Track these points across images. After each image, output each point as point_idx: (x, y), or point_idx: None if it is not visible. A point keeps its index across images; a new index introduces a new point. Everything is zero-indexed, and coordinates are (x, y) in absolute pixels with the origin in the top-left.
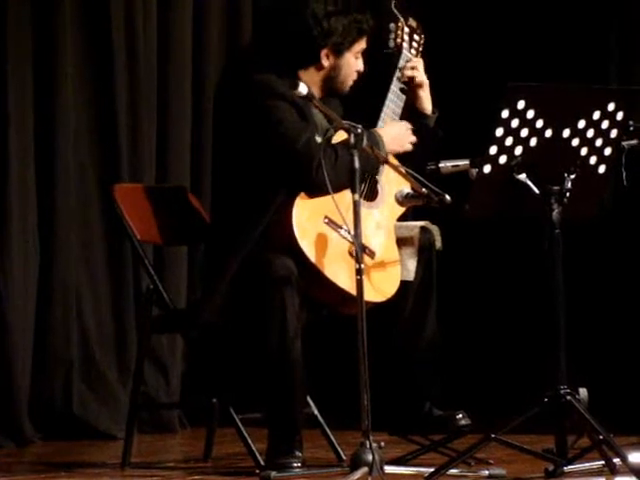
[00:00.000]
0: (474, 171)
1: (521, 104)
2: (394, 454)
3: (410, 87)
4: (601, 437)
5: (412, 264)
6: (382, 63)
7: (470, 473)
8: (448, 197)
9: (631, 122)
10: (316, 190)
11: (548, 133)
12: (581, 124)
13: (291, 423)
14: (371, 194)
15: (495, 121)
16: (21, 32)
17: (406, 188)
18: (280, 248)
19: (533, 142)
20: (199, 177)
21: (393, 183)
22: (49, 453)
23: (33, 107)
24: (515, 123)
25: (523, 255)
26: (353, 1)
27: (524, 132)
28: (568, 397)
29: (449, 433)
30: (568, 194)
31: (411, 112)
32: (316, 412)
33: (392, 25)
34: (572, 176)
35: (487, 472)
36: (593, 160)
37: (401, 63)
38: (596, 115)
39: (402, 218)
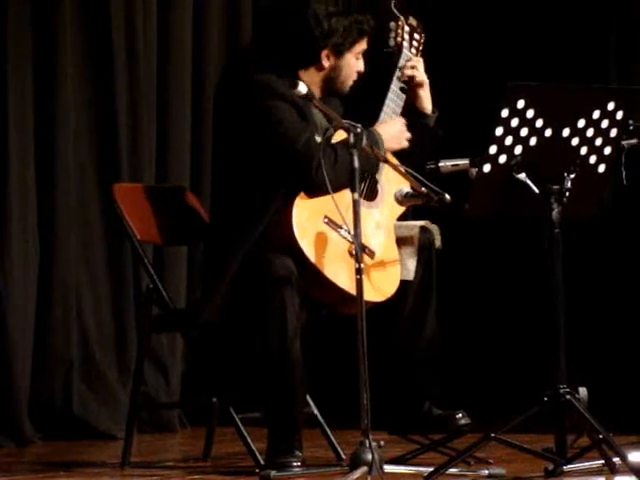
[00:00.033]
0: (474, 170)
1: (521, 103)
2: (394, 453)
3: (410, 86)
4: (601, 436)
5: (412, 264)
6: (382, 62)
7: (470, 472)
8: (448, 196)
9: (631, 121)
10: (316, 190)
11: (548, 132)
12: (581, 123)
13: (291, 423)
14: (371, 194)
15: (495, 120)
16: (21, 32)
17: (406, 187)
18: (280, 248)
19: (533, 141)
20: (199, 177)
21: (393, 182)
22: (49, 453)
23: (33, 107)
24: (515, 122)
25: (523, 255)
26: (354, 1)
27: (524, 131)
28: (568, 396)
29: (449, 432)
30: (568, 193)
31: (411, 111)
32: (316, 411)
33: (392, 24)
34: (572, 175)
35: (487, 471)
36: (593, 159)
37: (401, 62)
38: (596, 114)
39: (402, 217)
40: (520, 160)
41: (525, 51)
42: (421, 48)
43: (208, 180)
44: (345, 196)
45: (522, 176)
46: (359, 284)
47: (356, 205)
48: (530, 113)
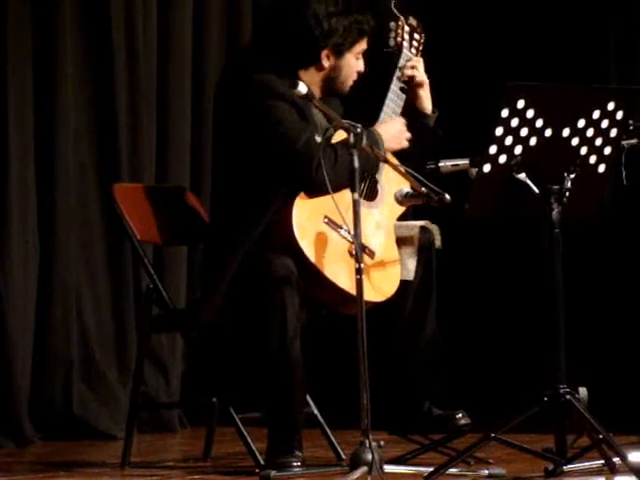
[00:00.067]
0: (474, 170)
1: (521, 103)
2: (394, 453)
3: (410, 86)
4: (601, 436)
5: (412, 263)
6: (382, 62)
7: (470, 472)
8: (448, 196)
9: (631, 121)
10: (316, 190)
11: (548, 132)
12: (581, 123)
13: (291, 423)
14: (371, 194)
15: (495, 120)
16: (21, 32)
17: (406, 187)
18: (280, 248)
19: (533, 141)
20: (199, 177)
21: (393, 182)
22: (49, 453)
23: (33, 107)
24: (515, 122)
25: (523, 255)
26: (353, 1)
27: (524, 131)
28: (568, 396)
29: (449, 432)
30: (568, 193)
31: (411, 111)
32: (316, 411)
33: (392, 24)
34: (572, 175)
35: (487, 471)
36: (593, 159)
37: (401, 62)
38: (596, 114)
39: (402, 217)
40: (520, 160)
41: (525, 51)
42: (421, 48)
43: (208, 180)
44: (345, 196)
45: (522, 176)
46: (359, 284)
47: (356, 205)
48: (530, 113)
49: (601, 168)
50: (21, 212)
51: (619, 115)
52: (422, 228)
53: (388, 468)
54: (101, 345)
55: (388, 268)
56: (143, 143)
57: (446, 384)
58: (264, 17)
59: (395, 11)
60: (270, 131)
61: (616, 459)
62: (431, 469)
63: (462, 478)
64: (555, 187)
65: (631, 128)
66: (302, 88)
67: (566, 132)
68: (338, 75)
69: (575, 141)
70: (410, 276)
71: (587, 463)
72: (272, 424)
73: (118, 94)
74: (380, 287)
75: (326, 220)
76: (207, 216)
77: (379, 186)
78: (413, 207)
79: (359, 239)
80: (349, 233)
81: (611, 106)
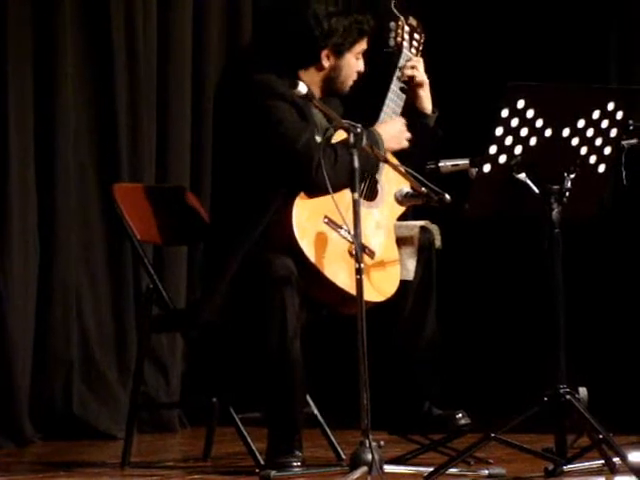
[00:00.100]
0: (474, 170)
1: (521, 103)
2: (394, 453)
3: (410, 86)
4: (601, 436)
5: (412, 264)
6: (382, 62)
7: (470, 472)
8: (448, 196)
9: (631, 121)
10: (316, 190)
11: (548, 132)
12: (581, 123)
13: (291, 423)
14: (371, 194)
15: (495, 120)
16: (21, 32)
17: (406, 187)
18: (280, 248)
19: (533, 141)
20: (199, 177)
21: (393, 182)
22: (49, 453)
23: (33, 107)
24: (515, 122)
25: (523, 255)
26: (354, 1)
27: (524, 131)
28: (568, 396)
29: (449, 432)
30: (568, 193)
31: (411, 111)
32: (316, 411)
33: (392, 24)
34: (572, 175)
35: (487, 471)
36: (593, 159)
37: (401, 62)
38: (596, 114)
39: (402, 217)
40: (520, 160)
41: (525, 51)
42: (421, 48)
43: (208, 180)
44: (345, 196)
45: (522, 176)
46: (359, 284)
47: (356, 205)
48: (530, 113)
49: (601, 168)
50: (21, 212)
51: (619, 115)
52: (422, 228)
53: (388, 468)
54: (101, 345)
55: (388, 268)
56: (143, 143)
57: (446, 384)
58: (264, 17)
59: (395, 11)
60: (270, 131)
61: (616, 459)
62: (431, 469)
63: (462, 478)
64: (555, 187)
65: (631, 128)
66: (302, 88)
67: (566, 132)
68: (338, 75)
69: (575, 141)
70: (410, 276)
71: (587, 463)
72: (272, 424)
73: (118, 94)
74: (380, 287)
75: (326, 220)
76: (207, 216)
77: (379, 186)
78: (413, 207)
79: (359, 239)
80: (349, 233)
81: (611, 106)
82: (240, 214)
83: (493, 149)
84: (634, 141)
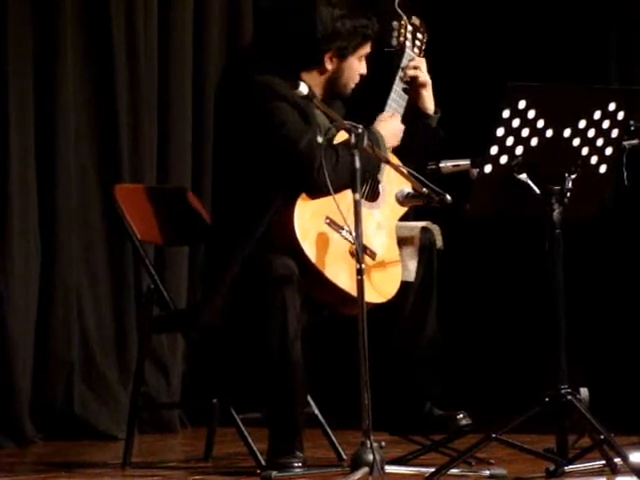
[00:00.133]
0: (475, 171)
1: (522, 104)
2: (395, 454)
3: (413, 87)
4: (602, 437)
5: (413, 264)
6: (385, 62)
7: (471, 473)
8: (449, 197)
9: (632, 122)
10: (317, 191)
11: (549, 133)
12: (582, 124)
13: (292, 423)
14: (372, 194)
15: (496, 121)
16: (21, 32)
17: (407, 188)
18: (281, 249)
19: (534, 142)
20: (200, 178)
21: (394, 183)
22: (50, 453)
23: (33, 107)
24: (516, 123)
25: (523, 255)
26: (357, 1)
27: (525, 132)
28: (569, 397)
29: (450, 433)
30: (569, 194)
31: (413, 112)
32: (317, 412)
33: (395, 23)
34: (573, 176)
35: (488, 472)
36: (594, 160)
37: (404, 62)
38: (597, 115)
39: (403, 218)
40: (521, 160)
41: (526, 51)
42: (424, 48)
43: (209, 181)
44: (346, 197)
45: (523, 176)
46: (360, 285)
47: (357, 206)
48: (531, 114)
49: (602, 169)
50: (22, 212)
51: (620, 115)
52: (423, 229)
53: (389, 469)
54: (102, 346)
55: (389, 269)
56: (144, 143)
57: (447, 384)
58: (265, 17)
59: (399, 10)
60: (272, 133)
61: (617, 459)
62: (432, 470)
63: (463, 479)
64: (556, 188)
65: (632, 128)
66: (303, 89)
67: (567, 132)
68: (340, 78)
69: (576, 141)
70: (411, 277)
71: (588, 463)
72: (273, 424)
73: (119, 94)
74: (381, 288)
75: (327, 221)
76: (208, 217)
77: (380, 187)
78: (414, 208)
79: (360, 240)
80: (350, 234)
81: (612, 106)
82: (241, 215)
83: (494, 149)
84: (635, 141)
